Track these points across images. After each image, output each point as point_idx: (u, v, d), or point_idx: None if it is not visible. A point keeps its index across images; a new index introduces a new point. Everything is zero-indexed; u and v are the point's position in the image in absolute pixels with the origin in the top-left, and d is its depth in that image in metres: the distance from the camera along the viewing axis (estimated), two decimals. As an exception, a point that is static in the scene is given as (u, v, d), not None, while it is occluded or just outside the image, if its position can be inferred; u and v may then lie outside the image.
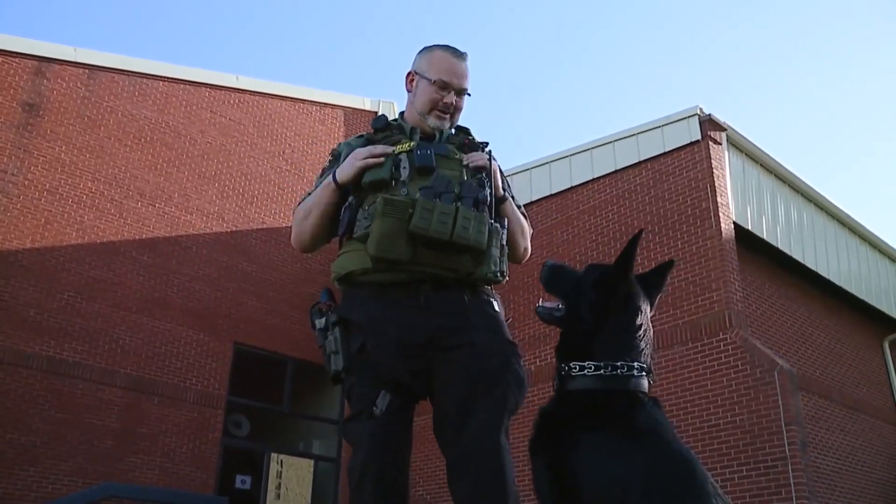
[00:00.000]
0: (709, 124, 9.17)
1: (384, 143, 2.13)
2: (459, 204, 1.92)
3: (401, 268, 1.95)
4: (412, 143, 2.10)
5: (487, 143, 2.23)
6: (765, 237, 9.66)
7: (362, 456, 1.88)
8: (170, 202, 11.27)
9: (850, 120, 40.72)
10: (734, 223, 9.03)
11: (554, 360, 1.78)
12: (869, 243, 12.20)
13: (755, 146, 9.83)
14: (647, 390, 1.67)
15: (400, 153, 2.07)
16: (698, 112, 9.24)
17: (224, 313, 11.36)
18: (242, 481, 11.80)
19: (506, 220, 2.13)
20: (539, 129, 44.69)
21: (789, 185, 10.49)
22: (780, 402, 7.54)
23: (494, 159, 2.15)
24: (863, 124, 40.17)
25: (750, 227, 9.41)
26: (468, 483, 1.84)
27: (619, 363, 1.64)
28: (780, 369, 7.66)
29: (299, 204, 2.22)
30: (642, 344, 1.69)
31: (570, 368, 1.68)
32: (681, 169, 9.32)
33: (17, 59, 10.31)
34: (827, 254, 10.87)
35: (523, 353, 9.72)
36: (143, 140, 11.25)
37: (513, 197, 2.25)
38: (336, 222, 2.12)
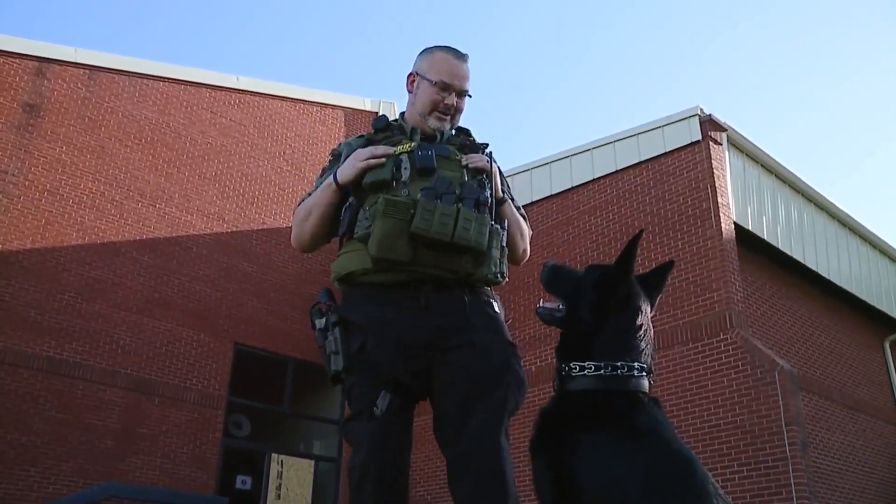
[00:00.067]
0: (709, 124, 9.17)
1: (385, 144, 2.13)
2: (461, 205, 1.93)
3: (401, 268, 1.95)
4: (413, 144, 2.10)
5: (487, 145, 2.23)
6: (765, 237, 9.66)
7: (362, 456, 1.88)
8: (170, 203, 11.28)
9: (851, 120, 40.73)
10: (735, 223, 9.03)
11: (554, 360, 1.78)
12: (869, 243, 12.19)
13: (756, 146, 9.83)
14: (647, 390, 1.67)
15: (401, 154, 2.07)
16: (699, 112, 9.24)
17: (224, 314, 11.36)
18: (243, 482, 11.81)
19: (506, 221, 2.13)
20: (539, 129, 44.71)
21: (790, 186, 10.49)
22: (780, 402, 7.54)
23: (495, 161, 2.16)
24: (863, 124, 40.18)
25: (750, 228, 9.41)
26: (468, 483, 1.84)
27: (619, 363, 1.65)
28: (780, 369, 7.66)
29: (299, 204, 2.22)
30: (642, 344, 1.70)
31: (570, 369, 1.68)
32: (681, 169, 9.32)
33: (17, 60, 10.32)
34: (827, 254, 10.87)
35: (523, 354, 9.72)
36: (143, 140, 11.25)
37: (512, 198, 2.26)
38: (336, 223, 2.12)
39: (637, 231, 1.76)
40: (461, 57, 2.20)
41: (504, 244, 2.07)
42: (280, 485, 11.30)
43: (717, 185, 8.90)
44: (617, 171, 10.08)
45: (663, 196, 9.42)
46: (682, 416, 8.19)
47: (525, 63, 41.88)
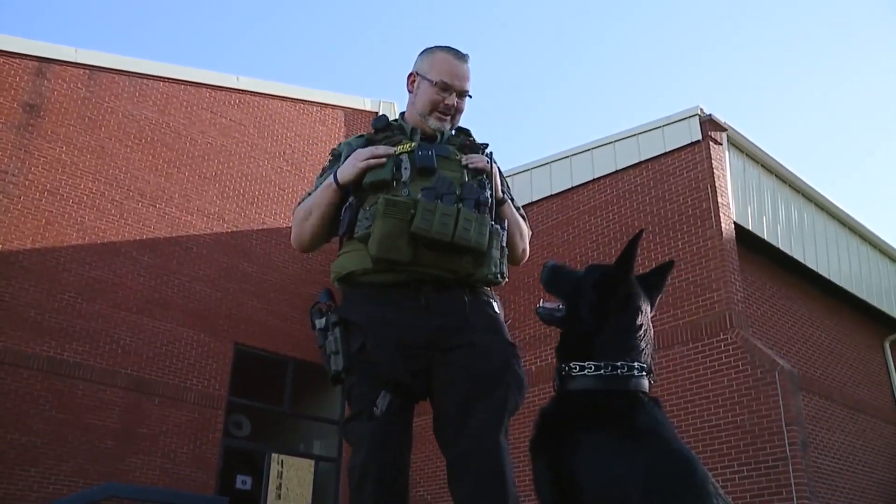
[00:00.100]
0: (709, 124, 9.17)
1: (385, 144, 2.13)
2: (461, 205, 1.93)
3: (402, 268, 1.95)
4: (413, 144, 2.10)
5: (487, 145, 2.23)
6: (765, 237, 9.66)
7: (362, 456, 1.88)
8: (170, 203, 11.28)
9: (851, 120, 40.73)
10: (735, 223, 9.03)
11: (554, 360, 1.78)
12: (869, 243, 12.19)
13: (756, 146, 9.83)
14: (647, 390, 1.67)
15: (401, 154, 2.07)
16: (699, 112, 9.24)
17: (225, 314, 11.37)
18: (243, 482, 11.81)
19: (506, 221, 2.13)
20: (539, 129, 44.71)
21: (790, 186, 10.49)
22: (780, 402, 7.54)
23: (494, 161, 2.16)
24: (863, 124, 40.18)
25: (750, 228, 9.41)
26: (468, 483, 1.84)
27: (619, 363, 1.65)
28: (780, 369, 7.66)
29: (299, 204, 2.22)
30: (642, 344, 1.70)
31: (570, 368, 1.68)
32: (681, 169, 9.32)
33: (17, 60, 10.32)
34: (828, 254, 10.87)
35: (523, 354, 9.72)
36: (143, 140, 11.26)
37: (512, 199, 2.26)
38: (336, 222, 2.12)
39: (637, 231, 1.76)
40: (462, 57, 2.20)
41: (504, 244, 2.07)
42: (280, 485, 11.30)
43: (717, 184, 8.90)
44: (617, 171, 10.08)
45: (663, 196, 9.42)
46: (683, 416, 8.19)
47: (525, 63, 41.89)
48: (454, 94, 2.17)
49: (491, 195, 2.04)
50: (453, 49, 2.22)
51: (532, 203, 10.75)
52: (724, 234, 8.68)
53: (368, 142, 2.19)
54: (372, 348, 1.93)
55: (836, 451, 9.68)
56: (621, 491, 1.47)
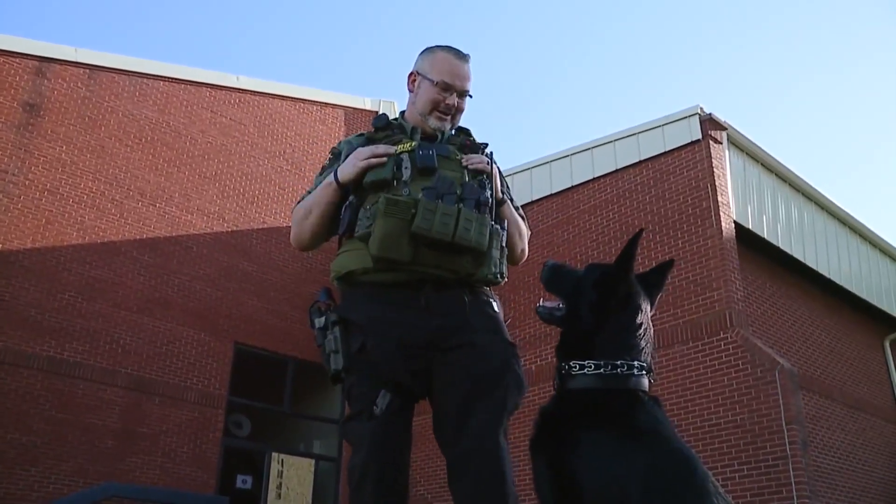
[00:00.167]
0: (709, 123, 9.17)
1: (385, 143, 2.13)
2: (462, 205, 1.93)
3: (402, 268, 1.95)
4: (414, 143, 2.10)
5: (487, 145, 2.23)
6: (765, 236, 9.66)
7: (362, 456, 1.88)
8: (170, 202, 11.28)
9: (851, 119, 40.73)
10: (735, 222, 9.03)
11: (554, 359, 1.78)
12: (870, 242, 12.19)
13: (756, 145, 9.82)
14: (647, 389, 1.67)
15: (401, 153, 2.07)
16: (699, 111, 9.24)
17: (225, 313, 11.37)
18: (243, 481, 11.81)
19: (505, 222, 2.14)
20: (539, 129, 44.71)
21: (790, 185, 10.49)
22: (780, 401, 7.54)
23: (494, 162, 2.16)
24: (864, 123, 40.18)
25: (750, 227, 9.41)
26: (468, 483, 1.84)
27: (619, 362, 1.65)
28: (780, 368, 7.66)
29: (299, 202, 2.21)
30: (642, 343, 1.70)
31: (570, 367, 1.68)
32: (681, 168, 9.32)
33: (17, 59, 10.31)
34: (828, 253, 10.87)
35: (523, 353, 9.72)
36: (143, 140, 11.26)
37: (511, 199, 2.27)
38: (336, 221, 2.12)
39: (637, 230, 1.76)
40: (463, 57, 2.20)
41: (504, 245, 2.08)
42: (280, 484, 11.31)
43: (717, 183, 8.90)
44: (617, 171, 10.08)
45: (663, 195, 9.42)
46: (683, 415, 8.19)
47: (525, 63, 41.89)
48: (455, 94, 2.17)
49: (491, 195, 2.04)
50: (454, 49, 2.22)
51: (532, 202, 10.75)
52: (724, 233, 8.68)
53: (369, 140, 2.18)
54: (372, 348, 1.93)
55: (836, 450, 9.69)
56: (621, 490, 1.47)
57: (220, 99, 12.28)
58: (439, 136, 2.20)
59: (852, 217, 11.58)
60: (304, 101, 13.35)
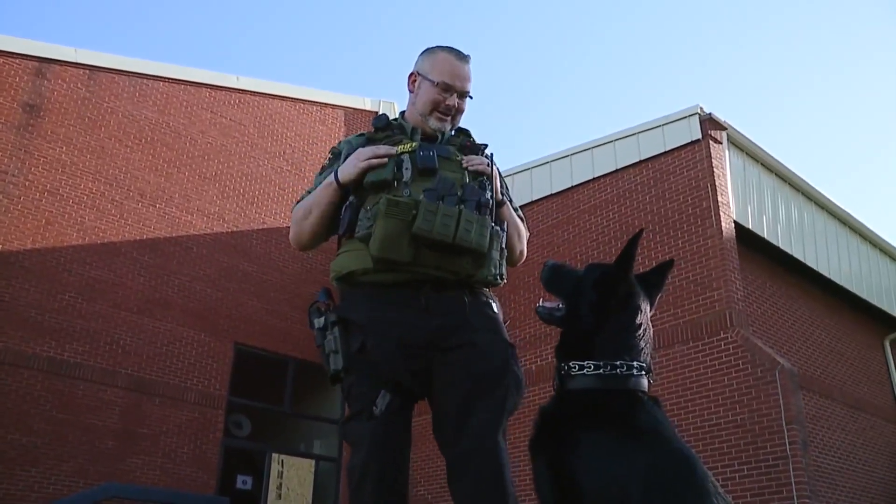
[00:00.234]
0: (709, 123, 9.17)
1: (385, 143, 2.13)
2: (462, 207, 1.93)
3: (402, 269, 1.95)
4: (414, 144, 2.10)
5: (487, 146, 2.23)
6: (765, 236, 9.65)
7: (362, 456, 1.88)
8: (170, 203, 11.28)
9: (851, 119, 40.72)
10: (735, 222, 9.03)
11: (554, 359, 1.78)
12: (870, 242, 12.19)
13: (756, 145, 9.82)
14: (647, 389, 1.67)
15: (402, 154, 2.07)
16: (699, 111, 9.24)
17: (225, 313, 11.37)
18: (243, 481, 11.82)
19: (505, 223, 2.14)
20: (539, 129, 44.71)
21: (790, 184, 10.49)
22: (780, 401, 7.54)
23: (494, 163, 2.16)
24: (864, 123, 40.18)
25: (750, 226, 9.41)
26: (468, 483, 1.84)
27: (618, 362, 1.65)
28: (780, 368, 7.66)
29: (298, 202, 2.21)
30: (642, 343, 1.70)
31: (569, 368, 1.68)
32: (681, 168, 9.32)
33: (17, 60, 10.31)
34: (828, 253, 10.87)
35: (523, 353, 9.72)
36: (143, 140, 11.26)
37: (510, 200, 2.27)
38: (336, 221, 2.12)
39: (637, 230, 1.76)
40: (463, 58, 2.20)
41: (504, 246, 2.08)
42: (280, 484, 11.31)
43: (717, 183, 8.90)
44: (617, 171, 10.08)
45: (663, 195, 9.42)
46: (683, 415, 8.19)
47: (525, 63, 41.89)
48: (455, 95, 2.17)
49: (491, 197, 2.04)
50: (455, 49, 2.22)
51: (532, 202, 10.75)
52: (724, 233, 8.68)
53: (369, 140, 2.18)
54: (372, 348, 1.93)
55: (836, 450, 9.68)
56: (621, 490, 1.47)
57: (219, 99, 12.28)
58: (439, 137, 2.20)
59: (852, 217, 11.58)
60: (303, 101, 13.36)
